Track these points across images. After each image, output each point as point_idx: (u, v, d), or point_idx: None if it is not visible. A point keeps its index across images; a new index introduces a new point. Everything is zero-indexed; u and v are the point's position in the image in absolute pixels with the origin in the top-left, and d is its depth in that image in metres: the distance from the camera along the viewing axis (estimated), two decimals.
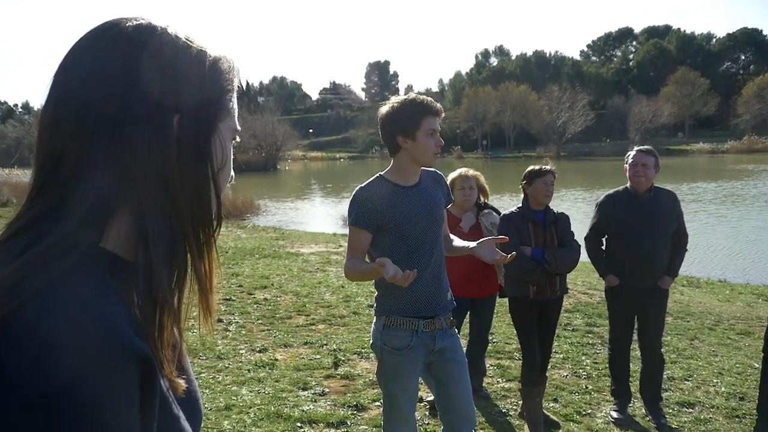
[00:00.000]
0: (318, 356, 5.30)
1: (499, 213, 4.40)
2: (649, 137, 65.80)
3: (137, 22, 0.76)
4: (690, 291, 9.08)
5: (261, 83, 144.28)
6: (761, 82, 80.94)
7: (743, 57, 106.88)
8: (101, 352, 0.64)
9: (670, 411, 4.43)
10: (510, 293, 4.15)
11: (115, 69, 0.73)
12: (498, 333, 5.99)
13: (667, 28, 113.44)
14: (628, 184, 4.34)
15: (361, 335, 5.87)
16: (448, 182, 3.18)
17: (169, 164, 0.74)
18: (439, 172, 2.98)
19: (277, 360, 5.21)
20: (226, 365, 5.07)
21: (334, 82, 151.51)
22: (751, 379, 5.10)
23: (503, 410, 4.42)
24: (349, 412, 4.20)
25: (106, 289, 0.70)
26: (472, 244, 2.82)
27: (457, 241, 2.99)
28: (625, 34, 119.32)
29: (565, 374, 5.10)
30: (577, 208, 18.28)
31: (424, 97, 2.78)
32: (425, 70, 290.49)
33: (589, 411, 4.41)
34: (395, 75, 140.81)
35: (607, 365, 4.69)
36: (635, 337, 4.51)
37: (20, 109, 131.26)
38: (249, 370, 4.94)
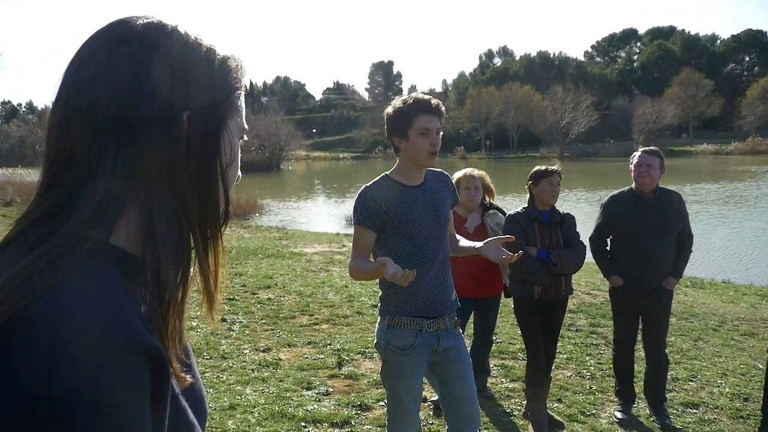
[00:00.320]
0: (322, 356, 5.31)
1: (504, 213, 4.41)
2: (653, 138, 65.62)
3: (147, 21, 0.76)
4: (694, 292, 9.06)
5: (264, 83, 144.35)
6: (766, 83, 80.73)
7: (748, 58, 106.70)
8: (114, 348, 0.64)
9: (674, 411, 4.43)
10: (515, 293, 4.15)
11: (125, 67, 0.73)
12: (502, 333, 5.99)
13: (672, 29, 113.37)
14: (633, 185, 4.34)
15: (364, 335, 5.88)
16: (453, 182, 3.17)
17: (178, 161, 0.74)
18: (446, 173, 2.98)
19: (281, 360, 5.21)
20: (230, 365, 5.08)
21: (337, 82, 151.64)
22: (756, 380, 5.09)
23: (507, 410, 4.42)
24: (354, 412, 4.21)
25: (116, 285, 0.70)
26: (479, 243, 2.81)
27: (464, 241, 2.99)
28: (630, 34, 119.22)
29: (569, 374, 5.10)
30: (580, 208, 18.25)
31: (421, 95, 2.76)
32: (429, 70, 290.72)
33: (593, 411, 4.41)
34: (399, 75, 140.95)
35: (611, 366, 4.69)
36: (639, 337, 4.51)
37: (24, 109, 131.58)
38: (253, 370, 4.95)
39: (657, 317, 4.35)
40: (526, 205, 4.14)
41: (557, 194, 4.06)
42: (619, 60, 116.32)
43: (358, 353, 5.38)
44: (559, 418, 4.21)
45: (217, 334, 5.83)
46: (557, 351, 4.53)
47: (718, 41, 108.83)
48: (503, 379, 4.95)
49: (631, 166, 4.34)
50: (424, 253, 2.75)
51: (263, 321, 6.37)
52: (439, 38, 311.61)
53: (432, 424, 4.11)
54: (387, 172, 2.87)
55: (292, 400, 4.39)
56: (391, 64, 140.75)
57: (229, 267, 8.97)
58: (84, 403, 0.61)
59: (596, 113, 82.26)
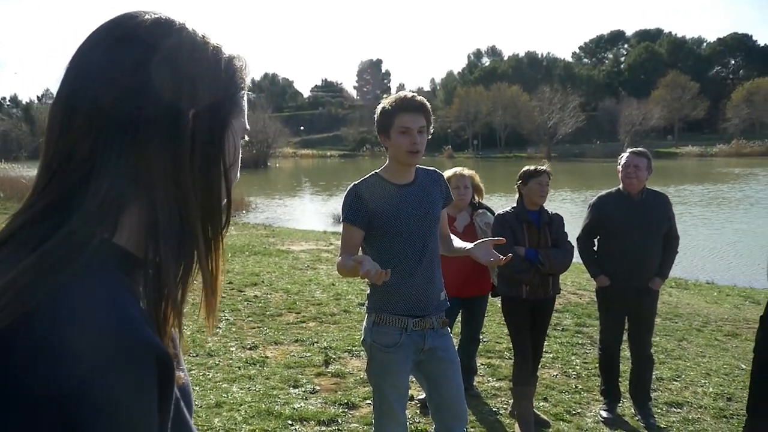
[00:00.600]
0: (309, 354, 5.30)
1: (493, 213, 4.42)
2: (638, 140, 66.12)
3: (155, 17, 0.76)
4: (678, 292, 9.14)
5: (253, 80, 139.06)
6: (750, 86, 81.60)
7: (733, 62, 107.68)
8: (123, 350, 0.64)
9: (659, 411, 4.46)
10: (503, 293, 4.17)
11: (131, 65, 0.72)
12: (489, 332, 6.01)
13: (659, 32, 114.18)
14: (620, 186, 4.36)
15: (351, 333, 5.87)
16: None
17: (182, 159, 0.74)
18: (439, 171, 2.98)
19: (267, 357, 5.20)
20: (217, 362, 5.05)
21: (326, 79, 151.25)
22: (739, 380, 5.15)
23: (494, 409, 4.44)
24: (340, 410, 4.20)
25: (121, 286, 0.70)
26: (470, 245, 2.81)
27: (457, 242, 2.98)
28: (617, 36, 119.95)
29: (555, 374, 5.13)
30: (565, 208, 18.34)
31: (404, 94, 2.76)
32: (417, 69, 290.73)
33: (579, 410, 4.44)
34: (387, 73, 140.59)
35: (597, 365, 4.72)
36: (624, 337, 4.54)
37: (8, 103, 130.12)
38: (239, 368, 4.93)
39: (643, 317, 4.38)
40: (515, 205, 4.15)
41: (546, 194, 4.07)
42: (607, 61, 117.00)
43: (345, 351, 5.37)
44: (545, 417, 4.23)
45: (204, 331, 5.80)
46: (543, 350, 4.56)
47: (704, 44, 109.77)
48: (490, 378, 4.97)
49: (619, 167, 4.36)
50: (411, 252, 2.74)
51: (250, 318, 6.35)
52: (427, 37, 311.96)
53: (419, 422, 4.12)
54: (377, 170, 2.86)
55: (279, 398, 4.37)
56: (380, 62, 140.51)
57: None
58: (93, 405, 0.61)
59: (583, 114, 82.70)
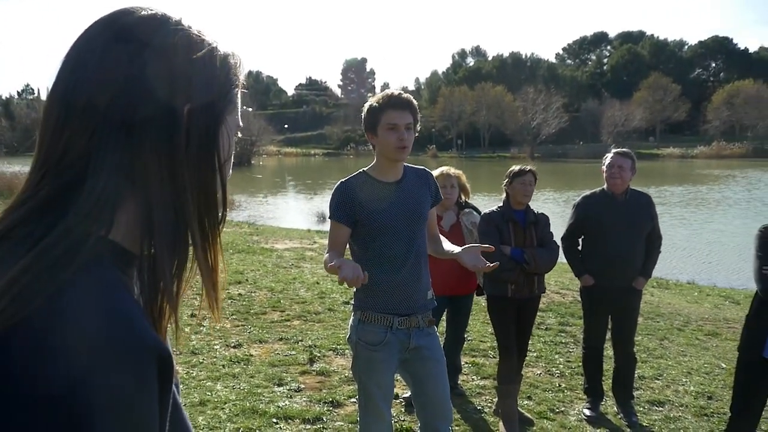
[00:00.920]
0: (293, 352, 5.28)
1: (479, 212, 4.43)
2: (621, 141, 66.57)
3: (151, 13, 0.76)
4: (660, 292, 9.24)
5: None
6: (731, 89, 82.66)
7: (714, 64, 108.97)
8: (125, 348, 0.64)
9: (641, 409, 4.51)
10: (489, 292, 4.18)
11: (127, 61, 0.72)
12: (473, 331, 6.04)
13: (641, 34, 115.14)
14: (605, 186, 4.40)
15: (336, 332, 5.87)
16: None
17: (177, 155, 0.74)
18: (427, 170, 2.98)
19: (251, 356, 5.18)
20: (201, 360, 5.03)
21: (310, 78, 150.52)
22: (719, 378, 5.22)
23: (478, 407, 4.45)
24: (325, 408, 4.20)
25: (119, 284, 0.70)
26: (458, 249, 2.79)
27: (446, 244, 2.95)
28: (600, 38, 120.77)
29: (539, 372, 5.16)
30: (548, 208, 18.43)
31: (391, 91, 2.78)
32: (402, 68, 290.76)
33: (563, 409, 4.47)
34: (372, 72, 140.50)
35: (580, 364, 4.75)
36: (608, 336, 4.58)
37: None
38: (224, 366, 4.91)
39: (626, 316, 4.42)
40: (501, 204, 4.18)
41: (530, 194, 4.10)
42: (590, 63, 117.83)
43: (330, 350, 5.37)
44: (529, 415, 4.26)
45: (187, 329, 5.76)
46: (527, 349, 4.58)
47: (686, 47, 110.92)
48: (474, 377, 4.99)
49: (603, 167, 4.40)
50: (397, 250, 2.75)
51: (234, 317, 6.32)
52: (412, 36, 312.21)
53: (404, 420, 4.12)
54: (364, 168, 2.86)
55: (264, 396, 4.36)
56: (364, 61, 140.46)
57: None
58: (95, 404, 0.61)
59: (566, 115, 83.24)
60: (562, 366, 5.32)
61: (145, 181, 0.73)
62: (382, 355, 2.77)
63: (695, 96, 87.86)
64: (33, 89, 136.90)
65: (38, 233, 0.68)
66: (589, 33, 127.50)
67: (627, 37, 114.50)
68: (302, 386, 4.57)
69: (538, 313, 4.74)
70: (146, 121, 0.72)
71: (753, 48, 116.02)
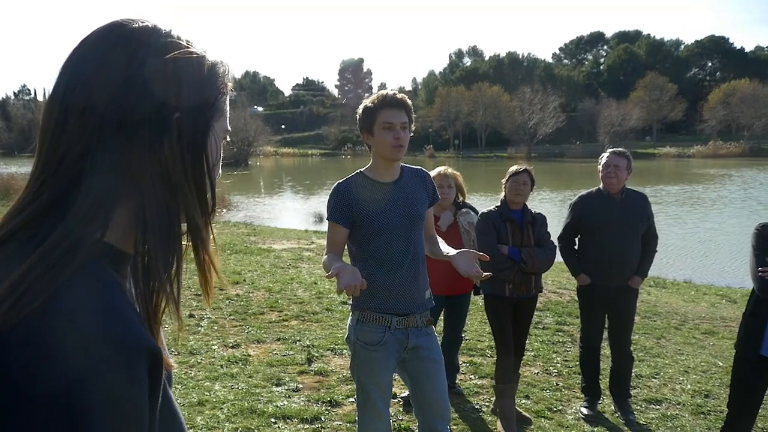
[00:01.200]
0: (291, 352, 5.29)
1: (477, 212, 4.45)
2: (618, 140, 66.78)
3: (143, 24, 0.80)
4: (657, 291, 9.26)
5: (234, 77, 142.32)
6: (727, 89, 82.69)
7: (710, 64, 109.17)
8: (117, 346, 0.69)
9: (638, 408, 4.52)
10: (486, 291, 4.19)
11: (121, 69, 0.76)
12: (471, 330, 6.05)
13: (638, 34, 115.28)
14: (601, 185, 4.42)
15: (334, 332, 5.88)
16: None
17: (168, 159, 0.78)
18: (425, 170, 2.99)
19: (250, 356, 5.18)
20: (199, 360, 5.03)
21: (307, 78, 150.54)
22: (716, 377, 5.24)
23: (476, 406, 4.47)
24: (323, 408, 4.21)
25: (114, 284, 0.74)
26: (453, 251, 2.79)
27: (443, 246, 2.94)
28: (597, 38, 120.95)
29: (537, 371, 5.18)
30: (544, 207, 18.47)
31: (386, 91, 2.78)
32: (399, 68, 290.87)
33: (560, 408, 4.48)
34: (369, 72, 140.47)
35: (577, 363, 4.77)
36: (605, 335, 4.60)
37: None
38: (222, 366, 4.92)
39: (623, 315, 4.44)
40: (498, 204, 4.19)
41: (523, 193, 4.11)
42: (586, 62, 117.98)
43: (328, 350, 5.37)
44: (526, 414, 4.27)
45: (186, 329, 5.77)
46: (525, 348, 4.60)
47: (682, 46, 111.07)
48: (472, 376, 5.00)
49: (600, 167, 4.42)
50: (395, 249, 2.75)
51: (232, 317, 6.32)
52: (409, 37, 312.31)
53: (402, 420, 4.13)
54: (361, 169, 2.87)
55: (262, 396, 4.37)
56: (361, 61, 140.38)
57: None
58: (91, 401, 0.65)
59: (563, 114, 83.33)
60: (559, 365, 5.33)
61: (139, 182, 0.77)
62: (381, 354, 2.78)
63: (691, 95, 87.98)
64: (30, 90, 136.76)
65: (39, 236, 0.72)
66: (585, 33, 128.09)
67: (623, 37, 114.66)
68: (300, 386, 4.58)
69: (536, 313, 4.76)
70: (138, 126, 0.76)
71: (749, 47, 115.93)
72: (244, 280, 8.04)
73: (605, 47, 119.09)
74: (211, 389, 4.44)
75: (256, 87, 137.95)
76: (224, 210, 21.15)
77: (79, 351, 0.65)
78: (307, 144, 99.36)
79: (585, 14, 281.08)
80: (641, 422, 4.30)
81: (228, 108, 0.89)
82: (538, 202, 21.69)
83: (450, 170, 4.50)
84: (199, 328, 5.86)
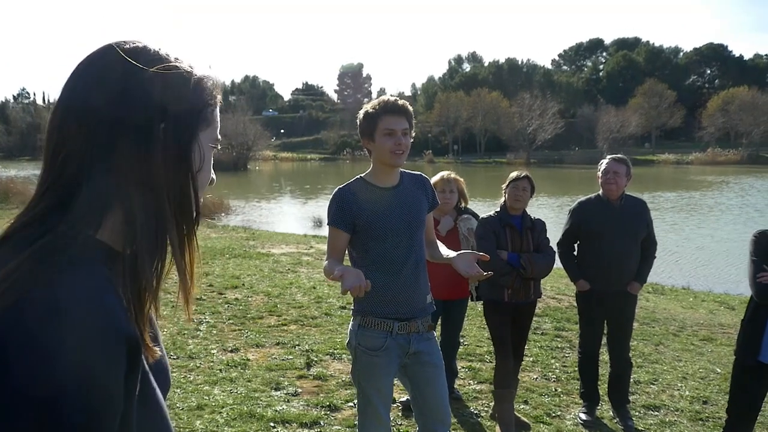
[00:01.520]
0: (290, 357, 5.29)
1: (478, 218, 4.45)
2: (617, 147, 66.79)
3: (134, 45, 0.88)
4: (655, 298, 9.28)
5: (233, 82, 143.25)
6: (725, 96, 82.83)
7: (709, 71, 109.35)
8: (98, 332, 0.76)
9: (637, 414, 4.53)
10: (485, 296, 4.20)
11: (113, 85, 0.85)
12: (469, 336, 6.06)
13: (637, 41, 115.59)
14: (600, 192, 4.43)
15: (333, 336, 5.88)
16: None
17: (155, 165, 0.85)
18: (424, 175, 3.00)
19: (249, 360, 5.18)
20: (198, 365, 5.03)
21: (306, 83, 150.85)
22: (714, 383, 5.25)
23: (475, 412, 4.47)
24: (323, 413, 4.21)
25: (102, 278, 0.81)
26: (453, 253, 2.81)
27: (442, 249, 2.97)
28: (596, 44, 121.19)
29: (535, 377, 5.18)
30: (542, 213, 18.52)
31: (387, 97, 2.79)
32: (398, 74, 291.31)
33: (559, 413, 4.49)
34: (368, 78, 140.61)
35: (576, 368, 4.77)
36: (604, 341, 4.60)
37: None
38: (221, 370, 4.91)
39: (622, 321, 4.45)
40: (498, 209, 4.21)
41: (522, 199, 4.12)
42: (586, 69, 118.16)
43: (327, 354, 5.38)
44: (525, 420, 4.27)
45: (185, 333, 5.77)
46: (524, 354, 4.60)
47: (681, 53, 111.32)
48: (471, 381, 5.01)
49: (599, 173, 4.44)
50: (396, 255, 2.76)
51: (231, 321, 6.32)
52: (409, 42, 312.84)
53: (401, 425, 4.14)
54: (362, 175, 2.89)
55: (261, 400, 4.37)
56: (360, 66, 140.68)
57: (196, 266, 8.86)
58: (70, 377, 0.72)
59: (562, 121, 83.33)
60: (558, 371, 5.34)
61: (129, 187, 0.84)
62: (382, 360, 2.78)
63: (690, 102, 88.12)
64: (29, 93, 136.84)
65: (39, 233, 0.81)
66: (585, 39, 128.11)
67: (622, 44, 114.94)
68: (299, 390, 4.58)
69: (534, 318, 4.76)
70: (128, 134, 0.84)
71: (748, 55, 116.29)
72: (243, 285, 8.04)
73: (604, 54, 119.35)
74: (210, 393, 4.44)
75: (256, 91, 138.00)
76: (223, 214, 21.15)
77: (61, 333, 0.72)
78: (306, 149, 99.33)
79: (584, 21, 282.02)
80: (640, 428, 4.30)
81: (218, 119, 0.96)
82: (536, 207, 21.70)
83: (453, 175, 4.52)
84: (198, 332, 5.86)
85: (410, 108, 2.81)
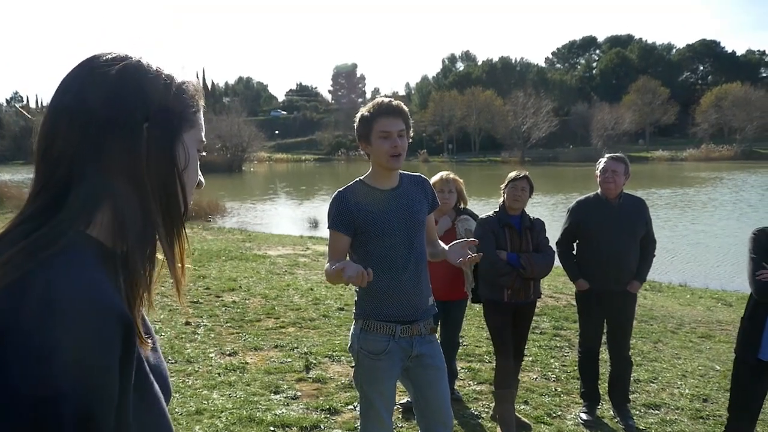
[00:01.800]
0: (289, 359, 5.27)
1: (476, 219, 4.44)
2: (611, 144, 67.03)
3: (116, 55, 0.94)
4: (653, 295, 9.28)
5: (227, 83, 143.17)
6: (719, 92, 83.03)
7: (702, 68, 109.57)
8: (91, 312, 0.79)
9: (637, 412, 4.52)
10: (485, 296, 4.19)
11: (99, 91, 0.90)
12: (468, 336, 6.04)
13: (630, 38, 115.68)
14: (598, 190, 4.42)
15: (331, 338, 5.86)
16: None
17: (140, 164, 0.90)
18: (424, 176, 2.99)
19: (247, 363, 5.16)
20: (196, 369, 5.00)
21: (300, 83, 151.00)
22: (714, 381, 5.25)
23: (475, 412, 4.46)
24: (323, 416, 4.19)
25: (91, 264, 0.85)
26: (447, 247, 2.84)
27: (440, 245, 2.99)
28: (589, 42, 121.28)
29: (535, 377, 5.17)
30: (538, 211, 18.50)
31: (381, 99, 2.77)
32: (392, 73, 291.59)
33: (559, 413, 4.48)
34: (362, 78, 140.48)
35: (576, 368, 4.76)
36: (603, 340, 4.60)
37: None
38: (219, 374, 4.89)
39: (621, 320, 4.44)
40: (497, 209, 4.19)
41: (520, 199, 4.12)
42: (579, 67, 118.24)
43: (326, 356, 5.35)
44: (526, 420, 4.26)
45: (182, 337, 5.74)
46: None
47: (674, 50, 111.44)
48: (471, 382, 4.99)
49: (597, 172, 4.43)
50: (397, 257, 2.75)
51: (228, 324, 6.29)
52: (402, 42, 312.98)
53: (402, 427, 4.12)
54: (361, 177, 2.87)
55: (260, 404, 4.34)
56: (354, 66, 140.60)
57: (192, 269, 8.83)
58: (65, 357, 0.75)
59: (556, 118, 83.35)
60: (558, 370, 5.33)
61: (117, 185, 0.89)
62: (385, 363, 2.77)
63: (684, 99, 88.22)
64: (22, 97, 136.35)
65: (30, 230, 0.86)
66: (578, 37, 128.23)
67: (615, 41, 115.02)
68: (299, 394, 4.56)
69: (533, 318, 4.75)
70: (115, 135, 0.89)
71: (740, 51, 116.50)
72: (240, 287, 8.02)
73: (597, 51, 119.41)
74: (209, 398, 4.42)
75: (250, 93, 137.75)
76: (219, 216, 21.10)
77: (54, 314, 0.76)
78: (300, 149, 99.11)
79: (577, 19, 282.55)
80: (640, 427, 4.30)
81: (201, 122, 1.01)
82: (531, 206, 21.60)
83: (452, 175, 4.51)
84: (196, 336, 5.83)
85: (405, 108, 2.79)
